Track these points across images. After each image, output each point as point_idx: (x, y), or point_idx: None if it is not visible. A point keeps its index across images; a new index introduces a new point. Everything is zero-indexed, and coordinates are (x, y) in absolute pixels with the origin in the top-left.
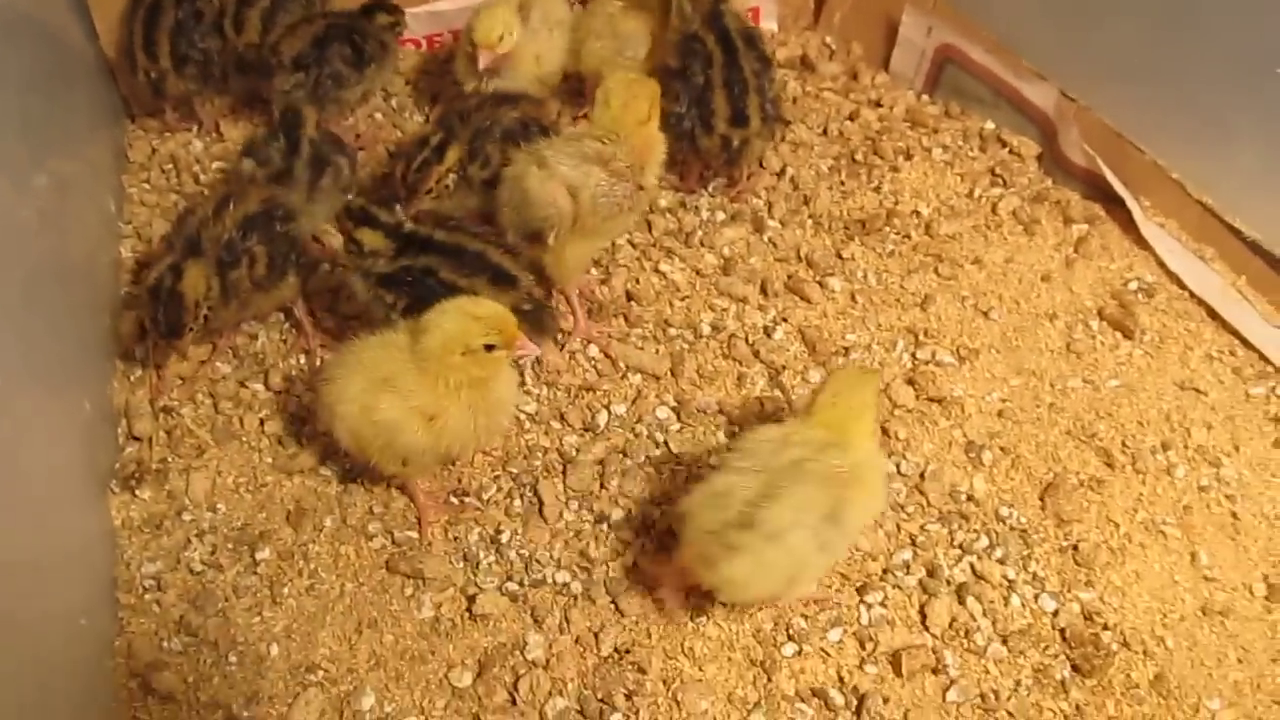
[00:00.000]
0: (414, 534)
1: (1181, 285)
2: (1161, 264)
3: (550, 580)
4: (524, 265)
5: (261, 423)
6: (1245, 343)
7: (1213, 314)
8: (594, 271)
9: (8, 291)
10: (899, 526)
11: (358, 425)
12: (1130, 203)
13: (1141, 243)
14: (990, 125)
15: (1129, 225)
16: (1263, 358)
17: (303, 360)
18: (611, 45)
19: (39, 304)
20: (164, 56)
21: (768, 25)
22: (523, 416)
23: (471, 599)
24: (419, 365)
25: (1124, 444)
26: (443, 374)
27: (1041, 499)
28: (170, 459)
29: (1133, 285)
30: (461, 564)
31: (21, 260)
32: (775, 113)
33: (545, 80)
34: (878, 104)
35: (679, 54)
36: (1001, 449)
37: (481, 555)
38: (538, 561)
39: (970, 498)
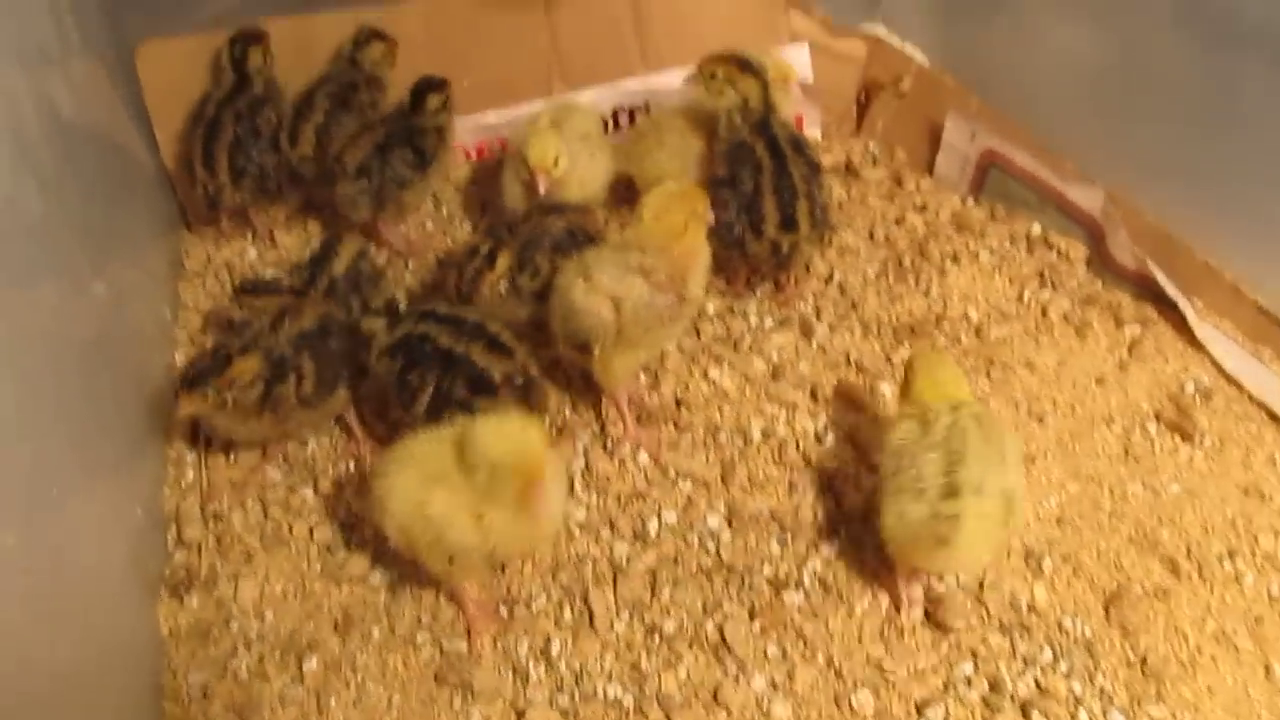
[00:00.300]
0: (463, 644)
1: (1240, 387)
2: (1218, 365)
3: (601, 694)
4: (521, 341)
5: (310, 530)
6: None
7: (1273, 416)
8: (643, 378)
9: (66, 396)
10: (959, 639)
11: (408, 520)
12: (1183, 304)
13: (1196, 344)
14: (1037, 228)
15: (1182, 327)
16: None
17: (352, 466)
18: (677, 160)
19: (94, 409)
20: (222, 171)
21: (811, 132)
22: (572, 524)
23: (521, 713)
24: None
25: (1189, 551)
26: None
27: (1106, 609)
28: (219, 565)
29: (1189, 388)
30: (510, 676)
31: (79, 366)
32: (824, 218)
33: (592, 200)
34: (923, 209)
35: (728, 162)
36: (1062, 557)
37: (531, 668)
38: (588, 674)
39: (1032, 608)
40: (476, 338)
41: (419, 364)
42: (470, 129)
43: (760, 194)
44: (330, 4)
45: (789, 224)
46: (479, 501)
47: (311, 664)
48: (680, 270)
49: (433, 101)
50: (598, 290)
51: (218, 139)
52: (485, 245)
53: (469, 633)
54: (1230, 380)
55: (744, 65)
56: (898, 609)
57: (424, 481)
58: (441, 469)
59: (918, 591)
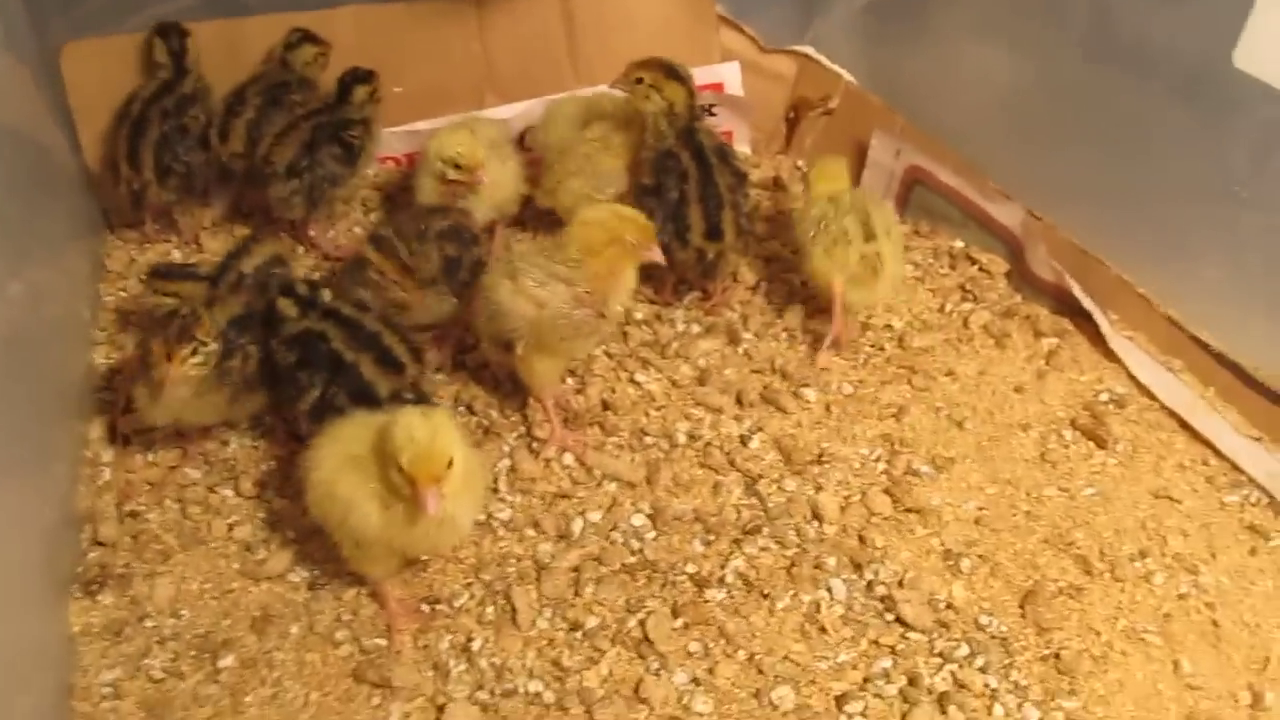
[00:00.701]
0: (383, 642)
1: (1152, 396)
2: (1132, 376)
3: (522, 690)
4: (420, 358)
5: (230, 528)
6: (1217, 452)
7: (1184, 424)
8: (570, 381)
9: None
10: (878, 636)
11: (321, 495)
12: (1098, 316)
13: (1111, 355)
14: (959, 243)
15: (1098, 338)
16: (1235, 467)
17: (274, 465)
18: (590, 183)
19: (6, 408)
20: (147, 169)
21: (741, 149)
22: (496, 523)
23: (441, 709)
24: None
25: (1102, 552)
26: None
27: (1021, 607)
28: (134, 564)
29: (1104, 397)
30: (431, 673)
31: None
32: (749, 227)
33: (502, 207)
34: None
35: (654, 171)
36: (980, 557)
37: (452, 664)
38: (509, 670)
39: (950, 605)
40: (369, 348)
41: (311, 363)
42: (401, 137)
43: (686, 203)
44: (259, 8)
45: (714, 233)
46: (386, 492)
47: (228, 661)
48: (601, 287)
49: (359, 93)
50: (522, 292)
51: (144, 136)
52: (368, 247)
53: (389, 630)
54: (1143, 390)
55: (670, 71)
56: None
57: (342, 461)
58: (361, 452)
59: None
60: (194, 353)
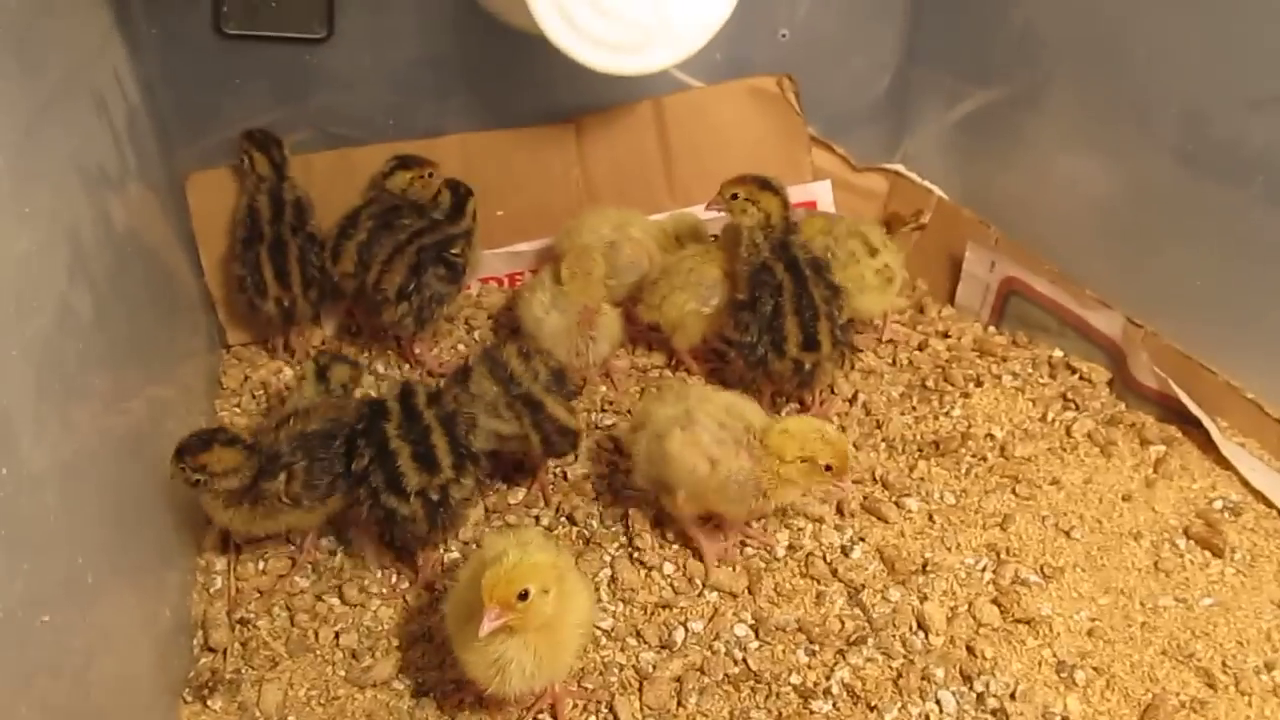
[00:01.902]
0: None
1: (1269, 503)
2: (1245, 482)
3: None
4: (462, 466)
5: (336, 635)
6: None
7: None
8: None
9: (104, 500)
10: None
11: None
12: (1207, 423)
13: (1223, 462)
14: (1059, 353)
15: (1208, 445)
16: None
17: (379, 574)
18: (696, 294)
19: (128, 515)
20: (296, 284)
21: None
22: (599, 632)
23: None
24: None
25: (1224, 664)
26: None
27: None
28: (244, 670)
29: (1218, 504)
30: None
31: (117, 473)
32: (845, 338)
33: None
34: (945, 334)
35: (749, 285)
36: (1095, 669)
37: None
38: None
39: (1065, 719)
40: (413, 441)
41: (365, 439)
42: (503, 258)
43: (781, 314)
44: (368, 139)
45: (811, 344)
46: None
47: None
48: (775, 488)
49: (471, 204)
50: (696, 444)
51: (285, 253)
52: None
53: None
54: (1258, 496)
55: (764, 184)
56: None
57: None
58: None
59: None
60: (196, 470)
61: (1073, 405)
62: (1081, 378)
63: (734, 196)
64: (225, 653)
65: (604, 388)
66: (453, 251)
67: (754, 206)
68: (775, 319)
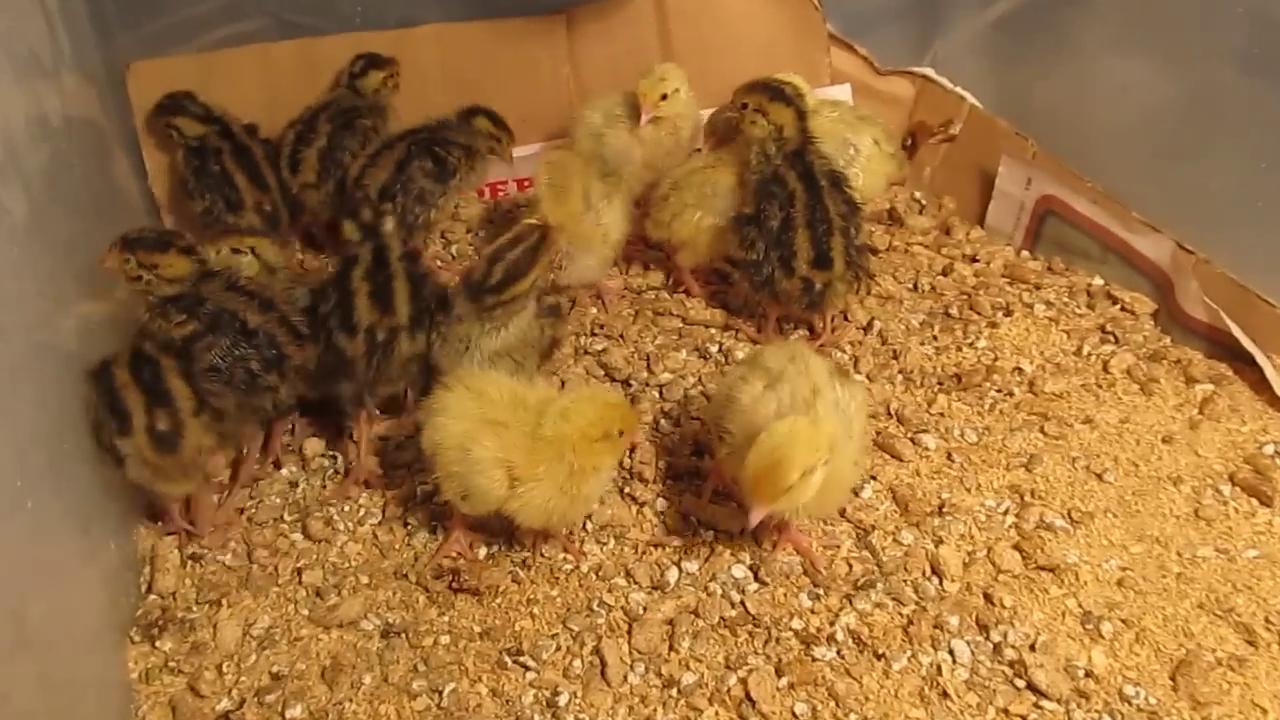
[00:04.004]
0: (461, 693)
1: None
2: None
3: None
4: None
5: (299, 572)
6: None
7: None
8: (664, 422)
9: (42, 421)
10: (1007, 704)
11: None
12: (1261, 360)
13: (1276, 403)
14: (1098, 280)
15: (1261, 384)
16: None
17: (346, 508)
18: (711, 207)
19: (68, 437)
20: (273, 186)
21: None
22: (586, 569)
23: None
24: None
25: (1268, 620)
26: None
27: (1173, 678)
28: (196, 609)
29: (1269, 449)
30: None
31: (55, 395)
32: (861, 260)
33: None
34: (973, 259)
35: (755, 197)
36: (1123, 621)
37: (536, 719)
38: None
39: (1089, 673)
40: (374, 282)
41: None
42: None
43: (791, 228)
44: (333, 28)
45: (823, 261)
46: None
47: (295, 712)
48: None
49: (482, 124)
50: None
51: (252, 156)
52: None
53: None
54: None
55: (776, 93)
56: None
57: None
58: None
59: None
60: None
61: (1112, 338)
62: (1123, 308)
63: (744, 106)
64: (175, 591)
65: (594, 309)
66: (445, 148)
67: (763, 118)
68: (784, 233)
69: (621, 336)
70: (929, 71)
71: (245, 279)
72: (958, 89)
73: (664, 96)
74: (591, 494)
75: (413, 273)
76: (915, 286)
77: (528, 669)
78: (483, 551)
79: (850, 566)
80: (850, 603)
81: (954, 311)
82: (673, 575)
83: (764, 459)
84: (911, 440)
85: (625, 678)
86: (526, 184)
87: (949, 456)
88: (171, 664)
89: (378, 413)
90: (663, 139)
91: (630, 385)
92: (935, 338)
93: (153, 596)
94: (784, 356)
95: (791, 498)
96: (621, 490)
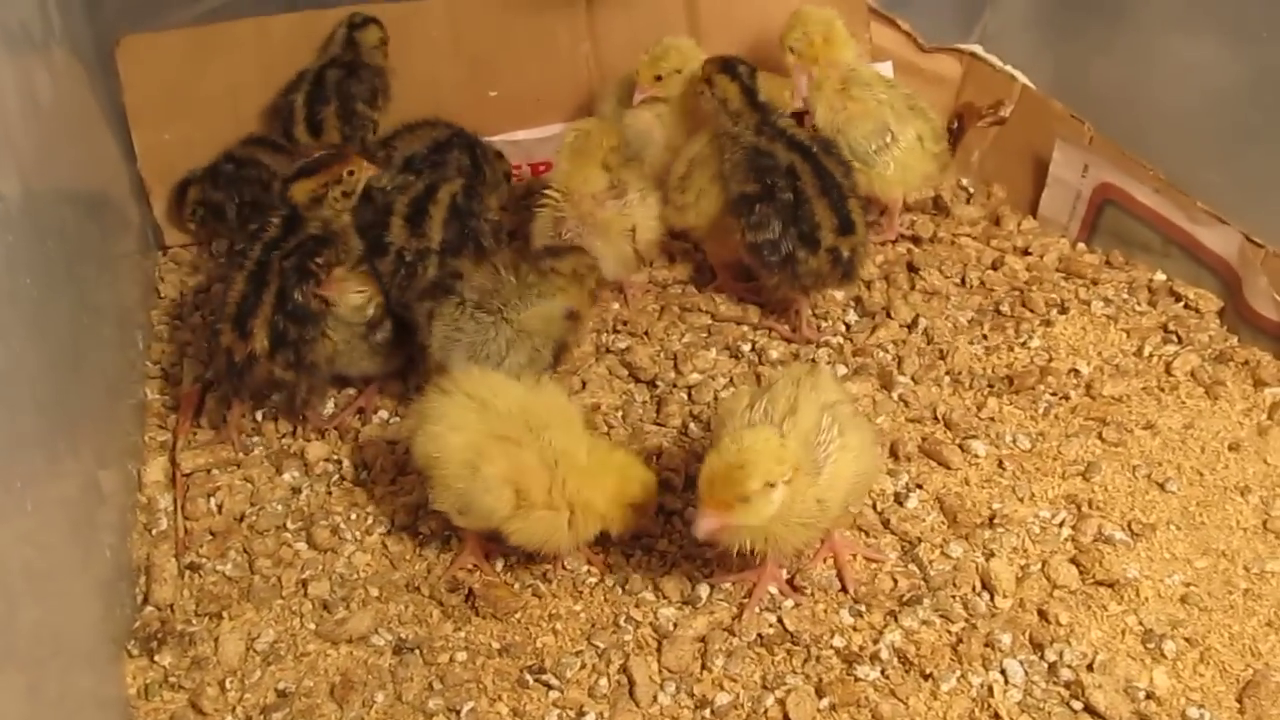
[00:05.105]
0: (480, 713)
1: None
2: None
3: None
4: None
5: (304, 584)
6: None
7: None
8: (693, 426)
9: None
10: None
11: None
12: None
13: None
14: (1161, 276)
15: None
16: None
17: (353, 516)
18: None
19: (61, 439)
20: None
21: None
22: (611, 583)
23: None
24: None
25: None
26: None
27: (1239, 700)
28: (195, 621)
29: None
30: None
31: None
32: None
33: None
34: (1025, 252)
35: (751, 173)
36: (1187, 640)
37: None
38: None
39: (1151, 695)
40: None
41: None
42: (501, 148)
43: (806, 200)
44: (336, 0)
45: (847, 226)
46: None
47: None
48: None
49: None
50: None
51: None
52: None
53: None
54: None
55: (724, 65)
56: None
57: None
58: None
59: None
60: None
61: (1175, 338)
62: (1187, 306)
63: (703, 75)
64: (173, 603)
65: (616, 305)
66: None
67: (709, 89)
68: (799, 207)
69: (646, 334)
70: (977, 49)
71: None
72: (1008, 67)
73: (659, 77)
74: (594, 533)
75: (459, 205)
76: (963, 281)
77: (550, 688)
78: (500, 563)
79: (895, 581)
80: (895, 619)
81: (1005, 308)
82: (704, 590)
83: (723, 460)
84: (960, 446)
85: (655, 698)
86: (542, 168)
87: (1000, 464)
88: (172, 679)
89: None
90: (685, 119)
91: (656, 386)
92: (985, 336)
93: (150, 608)
94: (796, 376)
95: (748, 511)
96: None
